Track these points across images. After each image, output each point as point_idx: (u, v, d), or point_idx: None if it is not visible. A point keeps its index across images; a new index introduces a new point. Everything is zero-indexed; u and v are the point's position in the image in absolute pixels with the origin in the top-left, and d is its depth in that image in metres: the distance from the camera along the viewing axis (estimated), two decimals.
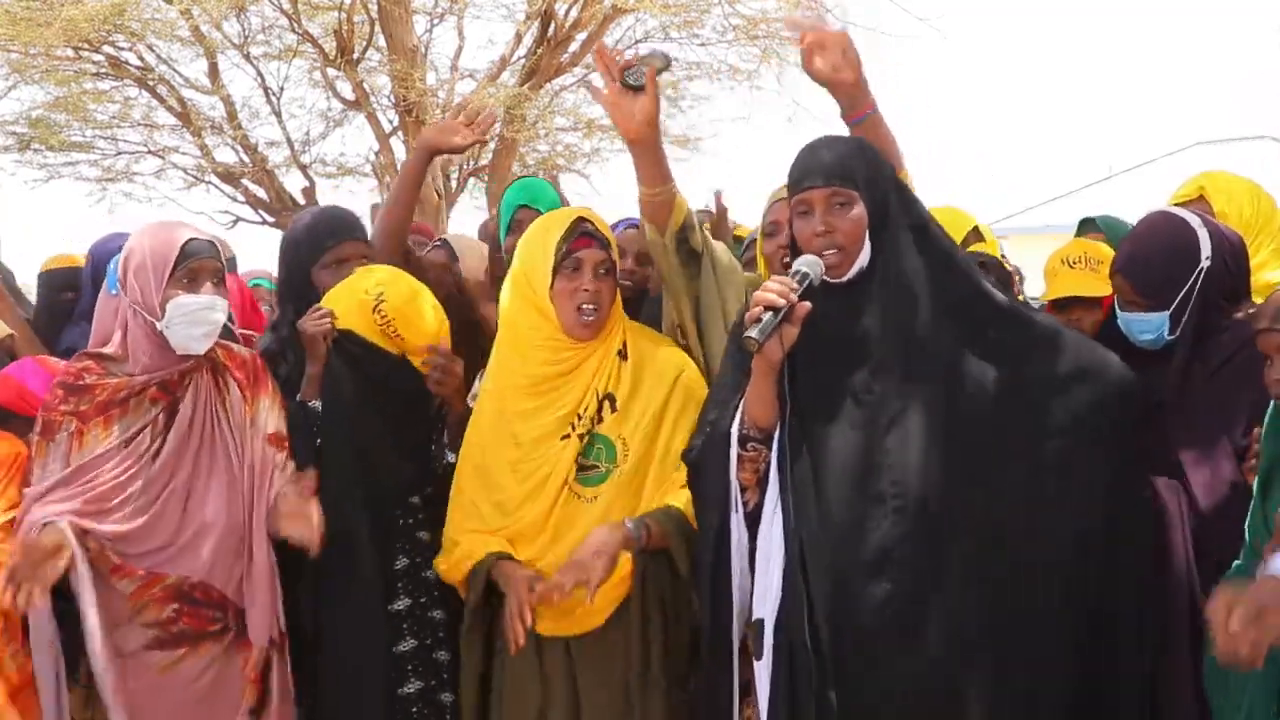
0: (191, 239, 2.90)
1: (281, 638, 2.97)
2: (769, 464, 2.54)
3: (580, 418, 2.85)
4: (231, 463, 2.95)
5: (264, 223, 13.07)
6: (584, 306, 2.83)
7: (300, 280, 3.28)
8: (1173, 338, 2.77)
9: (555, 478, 2.84)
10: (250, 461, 2.96)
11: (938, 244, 2.59)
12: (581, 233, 2.86)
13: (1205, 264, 2.77)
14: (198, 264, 2.88)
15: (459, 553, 2.92)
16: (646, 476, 2.86)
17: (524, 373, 2.89)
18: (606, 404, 2.87)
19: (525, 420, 2.87)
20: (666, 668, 2.79)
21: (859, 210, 2.51)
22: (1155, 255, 2.83)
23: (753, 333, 2.39)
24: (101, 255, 3.85)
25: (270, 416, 3.02)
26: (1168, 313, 2.76)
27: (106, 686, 2.79)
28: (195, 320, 2.87)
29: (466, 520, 2.94)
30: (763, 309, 2.40)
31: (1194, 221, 2.84)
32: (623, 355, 2.91)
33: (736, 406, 2.59)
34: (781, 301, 2.40)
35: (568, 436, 2.84)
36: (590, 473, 2.86)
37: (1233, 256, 2.84)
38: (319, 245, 3.27)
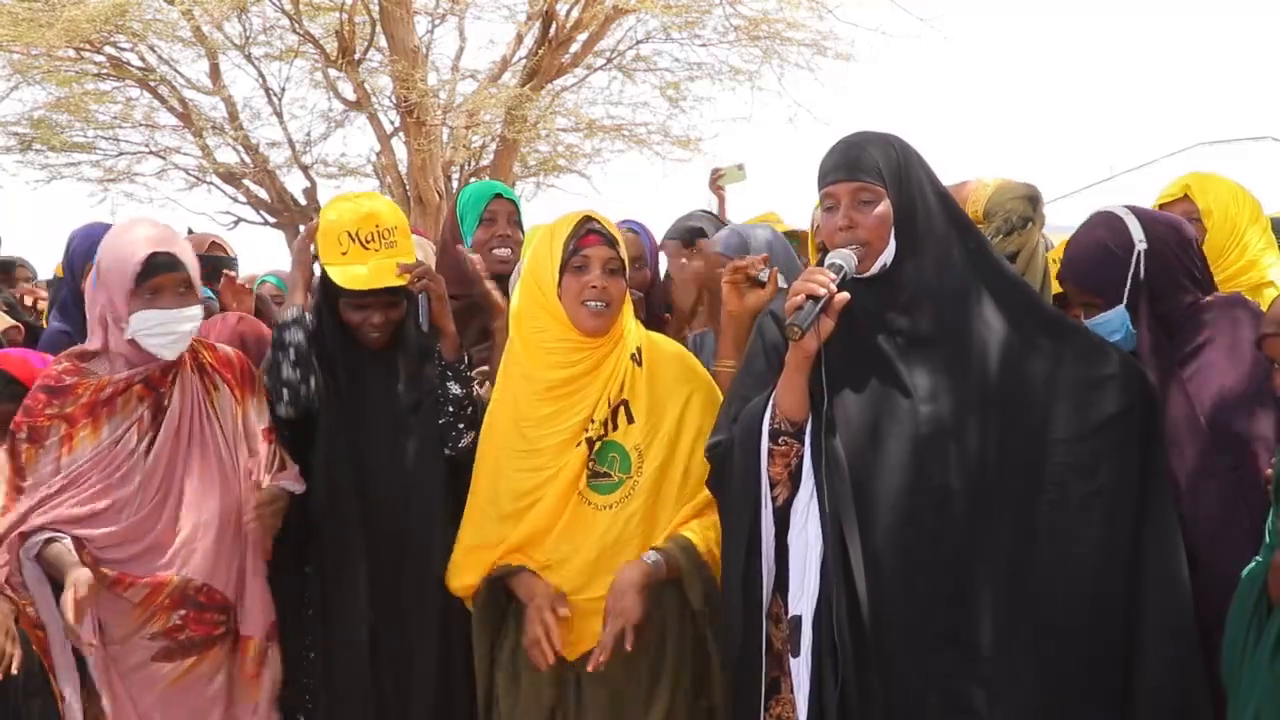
0: (152, 253, 2.87)
1: (272, 627, 2.98)
2: (800, 458, 2.52)
3: (593, 423, 2.82)
4: (223, 460, 2.95)
5: (265, 223, 13.10)
6: (591, 303, 2.81)
7: None
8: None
9: (560, 481, 2.81)
10: (245, 459, 2.97)
11: (973, 243, 2.58)
12: (588, 230, 2.84)
13: (1140, 248, 2.74)
14: (158, 280, 2.87)
15: (471, 573, 2.91)
16: (664, 491, 2.83)
17: (538, 378, 2.86)
18: (621, 410, 2.84)
19: (541, 426, 2.84)
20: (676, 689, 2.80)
21: (884, 207, 2.50)
22: (1089, 251, 2.81)
23: (796, 320, 2.39)
24: (80, 246, 3.85)
25: (262, 415, 3.04)
26: (1123, 306, 2.74)
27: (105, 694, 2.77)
28: (160, 333, 2.88)
29: (480, 530, 2.92)
30: (804, 297, 2.41)
31: (1121, 211, 2.82)
32: (637, 361, 2.88)
33: (766, 401, 2.58)
34: (823, 291, 2.40)
35: (580, 444, 2.82)
36: (602, 480, 2.82)
37: (1178, 242, 2.79)
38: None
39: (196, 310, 2.92)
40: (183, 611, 2.84)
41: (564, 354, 2.84)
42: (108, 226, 3.83)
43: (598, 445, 2.82)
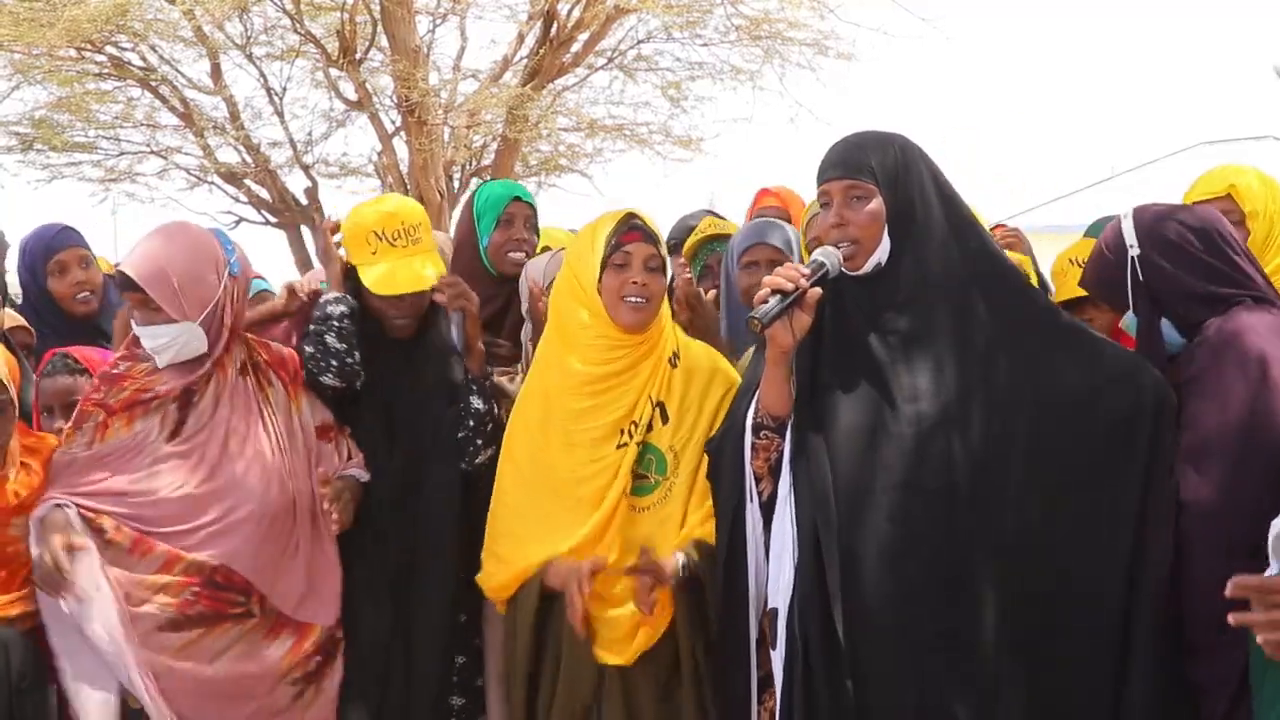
0: (121, 273, 2.98)
1: (338, 625, 3.04)
2: (780, 452, 2.54)
3: (636, 425, 2.82)
4: (271, 451, 3.02)
5: (267, 223, 13.08)
6: (631, 299, 2.81)
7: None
8: (1182, 340, 2.66)
9: (616, 488, 2.79)
10: (299, 449, 3.05)
11: (973, 243, 2.58)
12: (631, 227, 2.86)
13: (1133, 252, 2.66)
14: (127, 297, 3.01)
15: (506, 572, 2.89)
16: (697, 492, 2.82)
17: (575, 372, 2.86)
18: (657, 412, 2.84)
19: (578, 420, 2.84)
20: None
21: (876, 205, 2.51)
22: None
23: (757, 313, 2.40)
24: (36, 247, 3.88)
25: (315, 411, 3.13)
26: (1130, 311, 2.69)
27: (124, 656, 2.82)
28: (148, 346, 2.99)
29: (513, 528, 2.90)
30: (770, 291, 2.41)
31: (1122, 213, 2.75)
32: (673, 363, 2.89)
33: (753, 396, 2.59)
34: (789, 285, 2.41)
35: (624, 445, 2.81)
36: (641, 482, 2.83)
37: (1188, 241, 2.64)
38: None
39: (160, 330, 2.96)
40: (196, 588, 2.90)
41: (603, 350, 2.85)
42: (59, 227, 3.93)
43: (640, 449, 2.82)
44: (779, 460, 2.54)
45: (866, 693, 2.41)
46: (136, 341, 3.04)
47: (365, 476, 3.14)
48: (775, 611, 2.49)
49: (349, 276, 3.23)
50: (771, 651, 2.51)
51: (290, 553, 3.00)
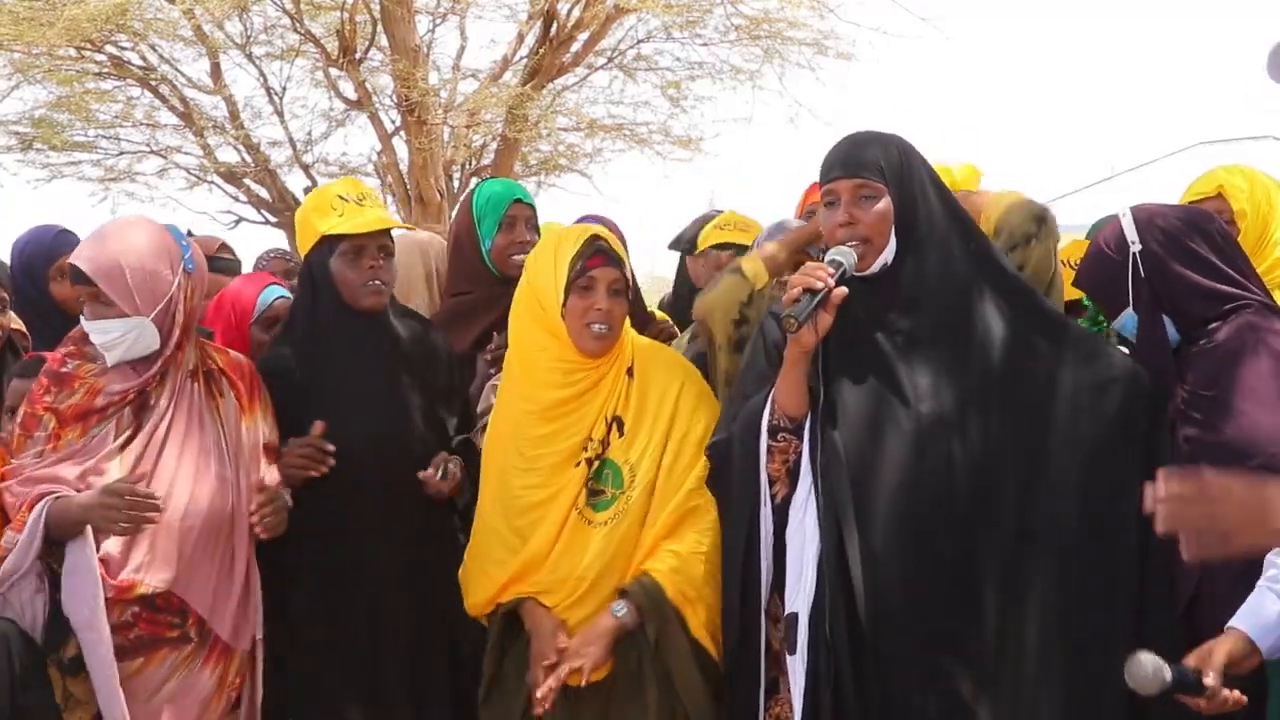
0: (75, 265, 2.87)
1: (254, 644, 2.94)
2: (798, 455, 2.53)
3: (592, 441, 2.80)
4: (216, 463, 2.88)
5: (266, 223, 13.09)
6: (595, 326, 2.77)
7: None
8: (1179, 337, 2.67)
9: (561, 502, 2.77)
10: (244, 465, 2.92)
11: (975, 244, 2.58)
12: (596, 250, 2.81)
13: (1135, 248, 2.65)
14: (78, 290, 2.88)
15: (481, 593, 2.88)
16: (654, 505, 2.77)
17: (536, 398, 2.83)
18: (614, 427, 2.81)
19: (539, 446, 2.81)
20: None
21: (884, 204, 2.51)
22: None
23: (793, 312, 2.39)
24: (36, 252, 3.80)
25: (264, 427, 3.00)
26: (1130, 309, 2.68)
27: (98, 657, 2.71)
28: (95, 340, 2.87)
29: (491, 551, 2.88)
30: (801, 290, 2.41)
31: (1121, 212, 2.75)
32: (630, 374, 2.85)
33: (765, 397, 2.58)
34: (820, 285, 2.41)
35: (580, 464, 2.79)
36: (599, 498, 2.78)
37: (1189, 237, 2.65)
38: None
39: (112, 324, 2.83)
40: (135, 609, 2.78)
41: (563, 374, 2.81)
42: (56, 230, 3.84)
43: (596, 465, 2.79)
44: (796, 462, 2.53)
45: (886, 694, 2.41)
46: (86, 338, 2.90)
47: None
48: (794, 616, 2.47)
49: (307, 272, 3.16)
50: (790, 657, 2.49)
51: (225, 572, 2.87)
